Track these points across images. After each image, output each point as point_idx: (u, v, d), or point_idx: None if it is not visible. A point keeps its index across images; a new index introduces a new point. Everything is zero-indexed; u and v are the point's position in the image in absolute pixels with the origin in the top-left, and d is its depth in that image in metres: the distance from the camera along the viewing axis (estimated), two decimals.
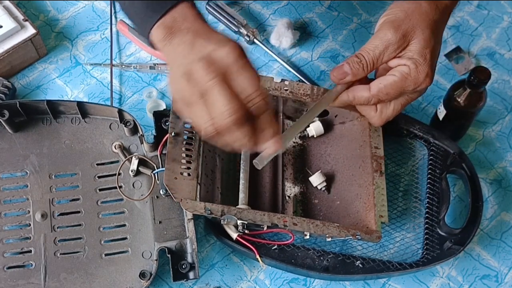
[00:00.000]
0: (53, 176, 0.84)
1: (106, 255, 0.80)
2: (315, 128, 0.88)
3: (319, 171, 0.85)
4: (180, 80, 0.63)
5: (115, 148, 0.85)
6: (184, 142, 0.79)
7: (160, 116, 0.83)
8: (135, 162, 0.83)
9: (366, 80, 0.75)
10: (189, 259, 0.78)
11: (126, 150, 0.85)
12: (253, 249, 0.77)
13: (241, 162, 0.82)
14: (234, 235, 0.77)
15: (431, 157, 0.88)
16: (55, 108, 0.85)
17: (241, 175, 0.81)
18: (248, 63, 0.63)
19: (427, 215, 0.84)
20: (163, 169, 0.77)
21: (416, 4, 0.71)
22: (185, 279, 0.78)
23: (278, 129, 0.66)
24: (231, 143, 0.64)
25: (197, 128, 0.65)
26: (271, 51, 0.99)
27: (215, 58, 0.62)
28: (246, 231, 0.77)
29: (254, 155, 0.86)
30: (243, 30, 0.99)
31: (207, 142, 0.81)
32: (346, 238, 0.76)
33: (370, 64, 0.71)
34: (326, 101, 0.76)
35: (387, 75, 0.72)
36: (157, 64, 0.97)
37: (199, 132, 0.67)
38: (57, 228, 0.81)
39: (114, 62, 0.97)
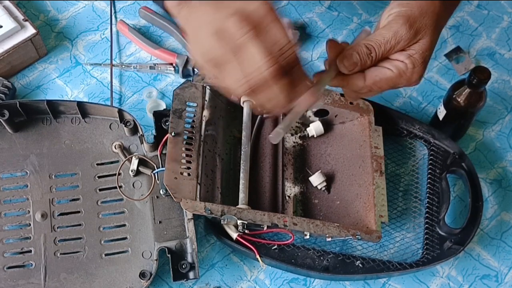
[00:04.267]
0: (53, 176, 0.84)
1: (106, 255, 0.80)
2: (315, 128, 0.88)
3: (319, 171, 0.85)
4: (209, 40, 0.60)
5: (115, 148, 0.85)
6: (184, 142, 0.79)
7: (160, 116, 0.83)
8: (135, 162, 0.83)
9: None
10: (189, 259, 0.78)
11: (126, 150, 0.85)
12: (253, 249, 0.77)
13: (241, 162, 0.81)
14: (234, 235, 0.77)
15: (431, 157, 0.88)
16: (55, 108, 0.85)
17: (241, 175, 0.81)
18: (278, 16, 0.62)
19: (427, 215, 0.84)
20: (163, 169, 0.77)
21: (431, 4, 0.70)
22: (185, 279, 0.78)
23: (310, 82, 0.65)
24: (267, 101, 0.62)
25: (230, 89, 0.63)
26: None
27: (247, 12, 0.60)
28: (246, 231, 0.77)
29: (255, 155, 0.87)
30: None
31: (207, 142, 0.82)
32: (346, 238, 0.76)
33: (379, 57, 0.69)
34: (325, 82, 0.71)
35: (384, 67, 0.70)
36: (157, 64, 0.97)
37: (231, 93, 0.65)
38: (57, 228, 0.81)
39: (114, 62, 0.97)
